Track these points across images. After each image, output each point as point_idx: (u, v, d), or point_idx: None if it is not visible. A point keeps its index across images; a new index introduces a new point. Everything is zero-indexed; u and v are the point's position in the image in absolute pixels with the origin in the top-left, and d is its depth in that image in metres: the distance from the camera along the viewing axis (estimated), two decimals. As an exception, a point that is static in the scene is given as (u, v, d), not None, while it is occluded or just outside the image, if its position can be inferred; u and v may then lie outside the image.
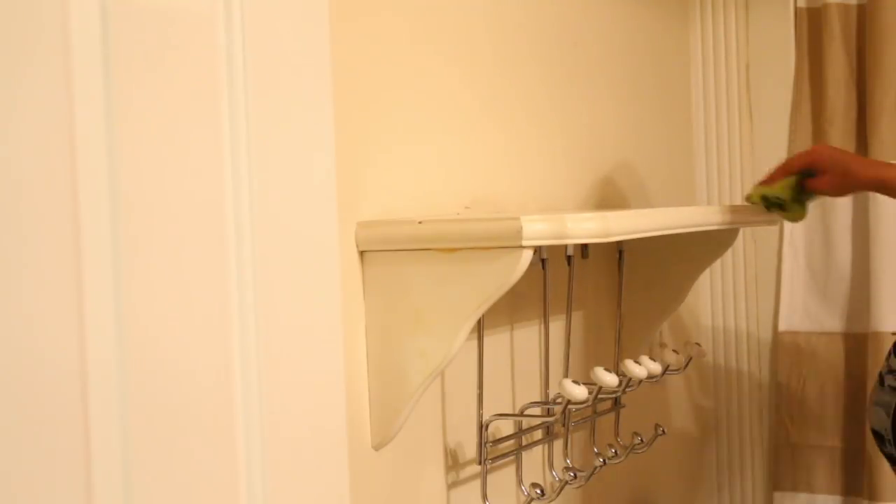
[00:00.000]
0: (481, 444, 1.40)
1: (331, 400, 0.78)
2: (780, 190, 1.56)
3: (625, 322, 1.76)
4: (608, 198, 1.84)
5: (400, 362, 1.24)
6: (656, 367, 1.54)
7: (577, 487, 1.60)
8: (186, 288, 0.67)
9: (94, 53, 0.60)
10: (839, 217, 2.11)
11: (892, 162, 1.75)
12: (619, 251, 1.75)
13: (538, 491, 1.48)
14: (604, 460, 1.67)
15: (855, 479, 2.11)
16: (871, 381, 1.72)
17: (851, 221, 2.11)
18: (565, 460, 1.59)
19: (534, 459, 1.58)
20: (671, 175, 2.12)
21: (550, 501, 1.50)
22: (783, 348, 2.19)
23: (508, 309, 1.52)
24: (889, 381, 1.44)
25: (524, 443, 1.52)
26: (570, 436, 1.60)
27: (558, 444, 1.60)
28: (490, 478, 1.42)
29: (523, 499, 1.50)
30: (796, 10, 2.18)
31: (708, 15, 2.22)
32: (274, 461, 0.71)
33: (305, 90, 0.76)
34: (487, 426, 1.41)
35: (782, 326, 2.19)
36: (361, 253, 1.25)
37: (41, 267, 0.58)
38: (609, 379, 1.40)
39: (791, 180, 1.55)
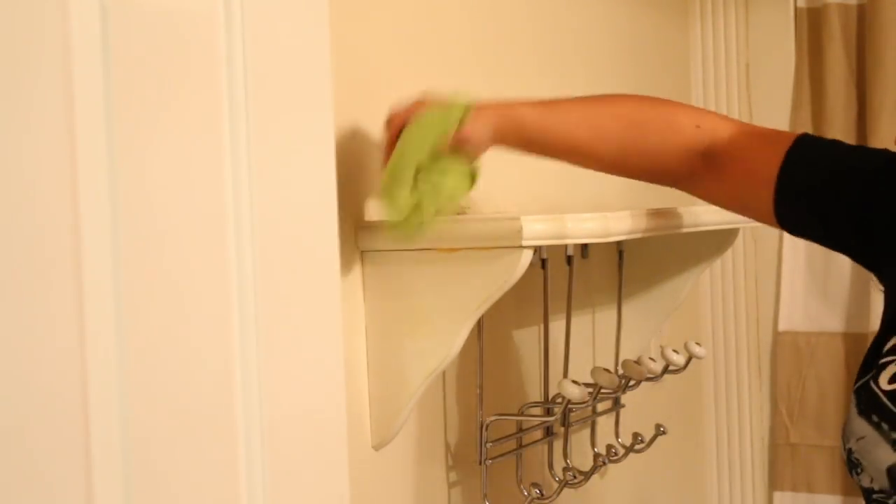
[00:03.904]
0: (481, 444, 1.40)
1: (331, 400, 0.78)
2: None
3: (625, 322, 1.76)
4: (608, 198, 1.84)
5: (400, 362, 1.23)
6: (656, 367, 1.54)
7: (577, 487, 1.60)
8: (187, 290, 0.67)
9: (94, 53, 0.60)
10: (839, 217, 2.11)
11: None
12: (619, 251, 1.75)
13: (538, 491, 1.48)
14: (604, 460, 1.67)
15: (855, 479, 2.11)
16: None
17: (851, 221, 2.11)
18: (565, 460, 1.59)
19: (534, 459, 1.58)
20: (671, 175, 2.12)
21: (550, 501, 1.50)
22: (783, 348, 2.19)
23: (508, 309, 1.52)
24: None
25: (524, 443, 1.52)
26: (569, 436, 1.60)
27: (558, 444, 1.60)
28: (490, 478, 1.42)
29: (523, 499, 1.49)
30: (796, 10, 2.18)
31: (708, 15, 2.21)
32: (274, 461, 0.72)
33: (305, 90, 0.76)
34: (487, 426, 1.41)
35: (782, 326, 2.19)
36: (361, 253, 1.25)
37: (43, 273, 0.58)
38: (608, 379, 1.40)
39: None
